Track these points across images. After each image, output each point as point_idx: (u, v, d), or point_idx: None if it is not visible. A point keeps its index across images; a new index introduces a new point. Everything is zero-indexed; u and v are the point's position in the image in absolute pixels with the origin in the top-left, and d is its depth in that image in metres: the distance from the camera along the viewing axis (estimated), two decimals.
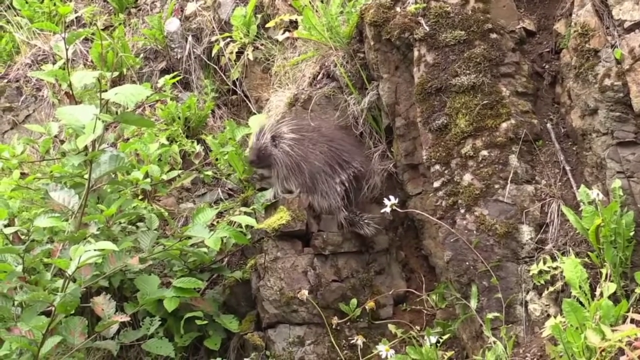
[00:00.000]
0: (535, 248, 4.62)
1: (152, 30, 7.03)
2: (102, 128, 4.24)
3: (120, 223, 5.16)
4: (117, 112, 4.88)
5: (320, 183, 5.20)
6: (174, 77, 6.42)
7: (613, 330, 3.69)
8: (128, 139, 5.90)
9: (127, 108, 4.18)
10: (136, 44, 7.20)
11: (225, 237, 5.05)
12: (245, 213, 5.26)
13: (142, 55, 7.14)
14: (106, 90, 4.28)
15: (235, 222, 5.34)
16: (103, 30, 7.42)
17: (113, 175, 5.07)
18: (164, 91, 6.42)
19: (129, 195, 5.35)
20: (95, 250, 3.98)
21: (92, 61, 7.07)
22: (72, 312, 4.29)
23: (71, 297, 4.13)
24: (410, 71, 5.14)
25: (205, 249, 5.18)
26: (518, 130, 4.80)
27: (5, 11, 7.92)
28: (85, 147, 4.56)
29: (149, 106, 6.62)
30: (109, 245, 4.03)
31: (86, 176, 4.59)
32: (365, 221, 5.21)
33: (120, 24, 7.34)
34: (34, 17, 7.50)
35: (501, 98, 4.85)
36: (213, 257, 5.37)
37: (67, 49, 4.71)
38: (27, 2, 7.68)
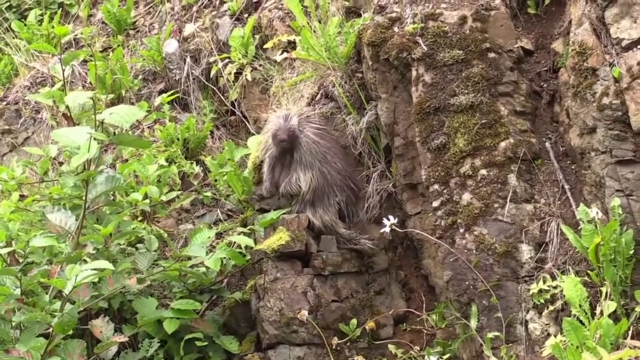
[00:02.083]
0: (535, 267, 4.61)
1: (150, 51, 7.04)
2: (98, 148, 4.23)
3: (119, 244, 5.15)
4: (114, 133, 4.88)
5: (330, 197, 5.21)
6: (171, 96, 6.44)
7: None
8: (127, 160, 5.89)
9: (123, 129, 4.18)
10: (135, 65, 7.21)
11: (225, 257, 5.04)
12: (244, 233, 5.25)
13: (140, 76, 7.15)
14: (101, 112, 4.29)
15: (234, 242, 5.33)
16: (102, 52, 7.43)
17: (111, 197, 5.06)
18: (162, 111, 6.42)
19: (128, 216, 5.33)
20: (91, 269, 3.97)
21: (90, 83, 7.08)
22: (71, 333, 4.29)
23: (68, 317, 4.12)
24: (408, 91, 5.14)
25: (204, 269, 5.16)
26: (517, 149, 4.80)
27: (4, 33, 7.94)
28: (84, 168, 4.57)
29: (148, 127, 6.62)
30: (105, 264, 4.02)
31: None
32: (362, 239, 5.21)
33: (118, 45, 7.35)
34: (33, 40, 7.51)
35: (500, 117, 4.85)
36: (213, 278, 5.36)
37: (63, 70, 4.72)
38: (25, 25, 7.71)
